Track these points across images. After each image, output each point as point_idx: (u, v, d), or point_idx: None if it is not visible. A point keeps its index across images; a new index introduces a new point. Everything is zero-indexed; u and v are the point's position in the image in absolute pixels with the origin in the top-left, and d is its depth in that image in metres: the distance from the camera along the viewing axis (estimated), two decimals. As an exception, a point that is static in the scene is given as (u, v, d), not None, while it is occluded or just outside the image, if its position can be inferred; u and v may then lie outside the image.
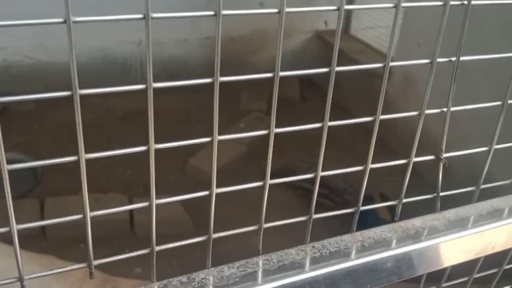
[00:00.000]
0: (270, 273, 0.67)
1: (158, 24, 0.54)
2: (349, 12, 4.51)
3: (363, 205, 0.77)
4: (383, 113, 0.69)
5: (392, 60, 0.66)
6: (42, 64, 3.79)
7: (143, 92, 0.52)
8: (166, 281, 0.64)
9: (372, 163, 0.73)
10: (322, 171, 0.71)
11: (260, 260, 0.69)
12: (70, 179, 2.62)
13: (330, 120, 0.66)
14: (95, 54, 3.88)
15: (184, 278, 0.65)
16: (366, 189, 0.76)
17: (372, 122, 0.70)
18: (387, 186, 2.41)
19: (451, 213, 0.80)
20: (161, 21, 0.52)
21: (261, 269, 0.68)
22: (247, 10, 0.57)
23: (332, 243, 0.73)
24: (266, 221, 0.70)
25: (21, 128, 3.32)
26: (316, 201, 0.73)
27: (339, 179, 3.05)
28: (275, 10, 0.55)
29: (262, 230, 0.71)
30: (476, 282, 0.94)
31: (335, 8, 0.59)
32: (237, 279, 0.66)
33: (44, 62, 3.79)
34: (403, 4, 0.63)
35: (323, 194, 2.91)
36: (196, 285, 0.64)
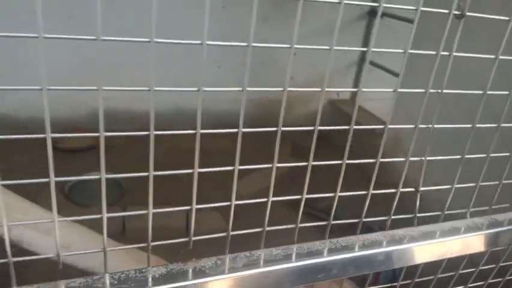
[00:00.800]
0: (302, 256, 0.81)
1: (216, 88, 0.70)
2: (356, 86, 4.66)
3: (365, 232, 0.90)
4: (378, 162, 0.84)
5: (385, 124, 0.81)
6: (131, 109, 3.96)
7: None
8: (235, 255, 0.78)
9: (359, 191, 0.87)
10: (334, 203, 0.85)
11: (295, 247, 0.83)
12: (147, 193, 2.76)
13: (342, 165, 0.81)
14: (168, 106, 4.03)
15: (246, 253, 0.79)
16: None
17: (373, 164, 0.84)
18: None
19: (424, 228, 0.92)
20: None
21: (295, 253, 0.82)
22: (273, 88, 0.73)
23: (343, 240, 0.86)
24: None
25: (113, 156, 3.47)
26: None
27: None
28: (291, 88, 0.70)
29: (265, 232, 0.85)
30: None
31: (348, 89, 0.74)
32: (281, 257, 0.79)
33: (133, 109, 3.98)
34: (400, 90, 0.78)
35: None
36: (255, 259, 0.78)
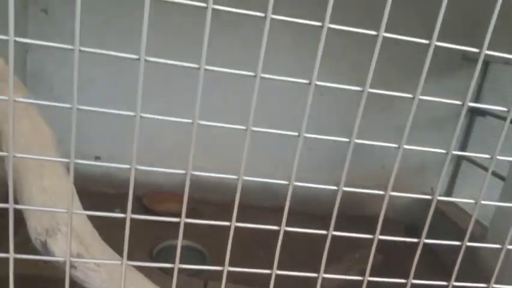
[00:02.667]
0: None
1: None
2: (451, 185, 4.43)
3: None
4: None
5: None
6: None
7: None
8: None
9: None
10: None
11: None
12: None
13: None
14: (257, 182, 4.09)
15: None
16: None
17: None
18: None
19: None
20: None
21: None
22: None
23: None
24: None
25: (200, 225, 3.56)
26: None
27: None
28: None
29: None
30: None
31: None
32: None
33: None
34: (483, 201, 0.72)
35: None
36: None
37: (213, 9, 0.53)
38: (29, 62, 3.76)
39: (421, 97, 0.63)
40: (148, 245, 3.27)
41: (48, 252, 1.11)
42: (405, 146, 0.64)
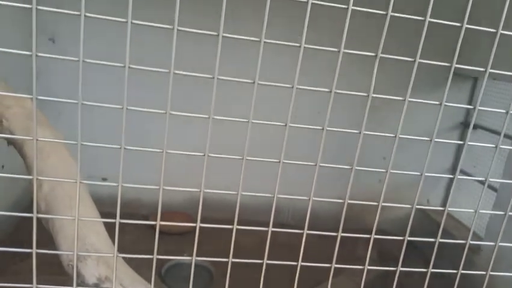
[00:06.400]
0: None
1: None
2: (447, 197, 4.41)
3: None
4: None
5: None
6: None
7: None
8: None
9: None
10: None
11: None
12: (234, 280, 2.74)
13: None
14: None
15: None
16: None
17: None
18: None
19: None
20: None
21: None
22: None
23: None
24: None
25: (207, 242, 3.54)
26: None
27: None
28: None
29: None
30: None
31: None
32: None
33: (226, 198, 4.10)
34: (481, 211, 0.72)
35: None
36: None
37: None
38: (38, 88, 3.78)
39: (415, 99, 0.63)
40: (156, 263, 3.24)
41: (79, 276, 1.19)
42: (391, 171, 0.66)
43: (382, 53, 0.62)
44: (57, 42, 3.80)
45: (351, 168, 0.63)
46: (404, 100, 0.66)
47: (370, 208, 4.81)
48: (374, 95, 0.65)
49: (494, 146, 0.73)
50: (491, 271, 0.82)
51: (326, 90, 0.64)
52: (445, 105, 0.69)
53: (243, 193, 0.65)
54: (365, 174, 3.97)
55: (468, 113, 4.41)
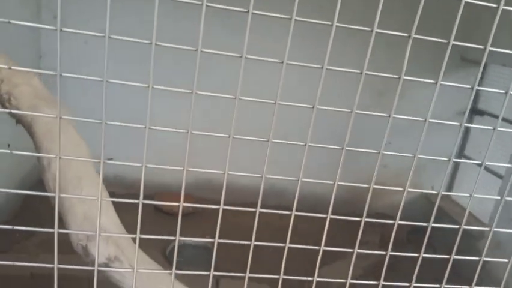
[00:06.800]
0: None
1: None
2: (451, 183, 4.41)
3: None
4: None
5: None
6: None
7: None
8: None
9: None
10: None
11: None
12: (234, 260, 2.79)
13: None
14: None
15: None
16: None
17: (470, 267, 0.76)
18: None
19: None
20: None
21: None
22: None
23: None
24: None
25: (208, 222, 3.57)
26: None
27: None
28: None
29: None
30: None
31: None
32: None
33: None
34: (475, 195, 0.72)
35: None
36: None
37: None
38: (43, 67, 3.78)
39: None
40: (161, 244, 3.31)
41: (88, 255, 1.19)
42: (384, 152, 0.66)
43: (378, 28, 0.61)
44: (62, 19, 3.78)
45: (342, 149, 0.63)
46: (399, 78, 0.65)
47: (377, 193, 4.82)
48: (368, 73, 0.64)
49: (492, 128, 0.73)
50: (494, 257, 0.82)
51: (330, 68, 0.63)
52: (441, 84, 0.68)
53: (230, 173, 0.64)
54: (371, 160, 3.96)
55: (476, 99, 4.37)
